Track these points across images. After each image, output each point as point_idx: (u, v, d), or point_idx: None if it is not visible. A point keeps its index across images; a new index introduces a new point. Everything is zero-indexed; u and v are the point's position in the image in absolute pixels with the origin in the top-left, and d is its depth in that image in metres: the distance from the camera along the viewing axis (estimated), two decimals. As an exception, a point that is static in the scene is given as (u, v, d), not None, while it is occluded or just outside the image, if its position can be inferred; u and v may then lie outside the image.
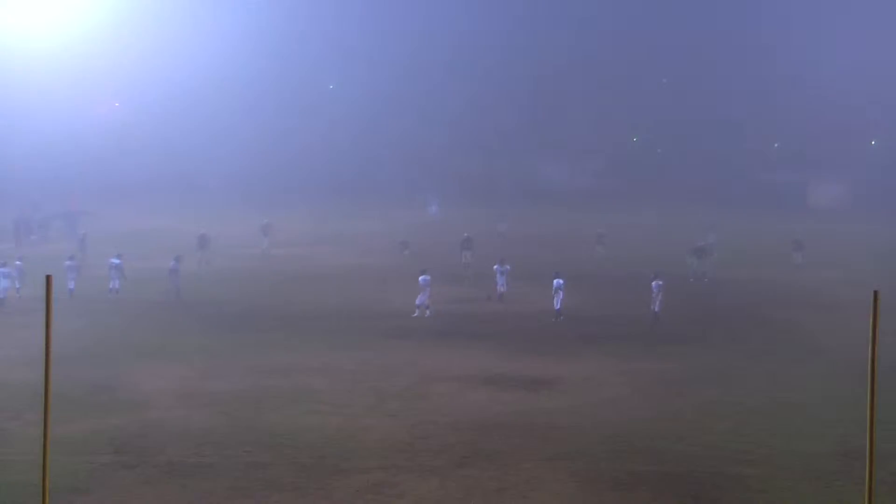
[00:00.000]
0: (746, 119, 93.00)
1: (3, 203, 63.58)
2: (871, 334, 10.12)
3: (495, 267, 36.77)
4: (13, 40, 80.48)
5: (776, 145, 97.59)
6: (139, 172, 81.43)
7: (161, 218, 64.91)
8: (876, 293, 10.12)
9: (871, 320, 10.09)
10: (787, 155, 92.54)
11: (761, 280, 43.55)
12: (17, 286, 36.54)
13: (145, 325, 32.11)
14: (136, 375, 25.23)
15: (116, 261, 37.71)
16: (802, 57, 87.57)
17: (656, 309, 33.28)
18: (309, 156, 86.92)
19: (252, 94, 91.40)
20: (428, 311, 33.56)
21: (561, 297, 33.42)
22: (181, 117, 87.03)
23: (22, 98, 80.00)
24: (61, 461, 17.19)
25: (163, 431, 20.43)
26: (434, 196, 72.83)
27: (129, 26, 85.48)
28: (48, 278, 10.08)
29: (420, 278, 34.03)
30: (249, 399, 23.06)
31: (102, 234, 52.87)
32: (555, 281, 33.68)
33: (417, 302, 33.69)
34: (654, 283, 33.63)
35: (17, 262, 37.49)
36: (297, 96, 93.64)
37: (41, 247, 50.45)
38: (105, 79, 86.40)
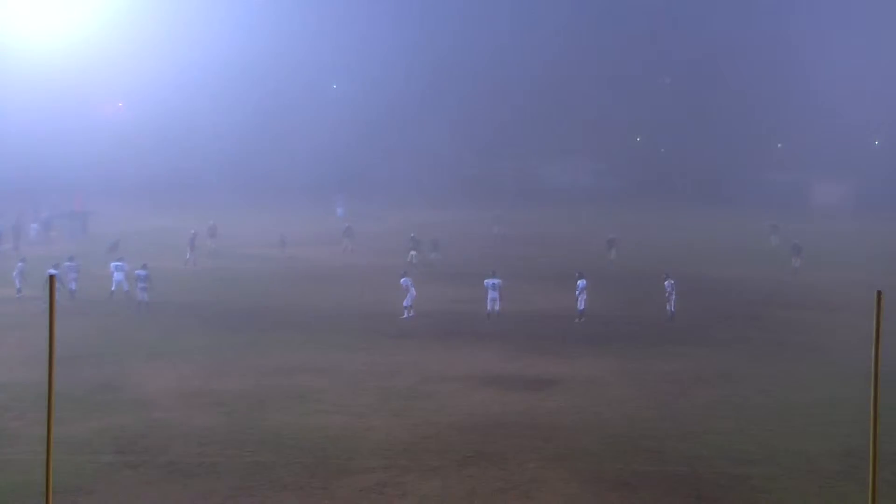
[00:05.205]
0: (749, 119, 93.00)
1: (3, 203, 63.61)
2: (874, 335, 10.11)
3: (486, 281, 34.23)
4: (17, 42, 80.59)
5: (779, 145, 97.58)
6: (142, 172, 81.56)
7: (162, 218, 64.96)
8: (879, 294, 10.11)
9: (874, 321, 10.09)
10: (790, 155, 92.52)
11: (764, 280, 43.55)
12: (18, 286, 36.58)
13: (147, 326, 32.12)
14: (138, 375, 25.26)
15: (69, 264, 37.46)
16: (805, 57, 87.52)
17: (671, 308, 33.48)
18: (311, 156, 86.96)
19: (255, 94, 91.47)
20: (412, 312, 33.72)
21: (584, 297, 33.52)
22: (184, 118, 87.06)
23: (25, 99, 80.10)
24: (65, 461, 17.24)
25: (166, 431, 20.44)
26: (340, 198, 71.63)
27: (134, 28, 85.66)
28: (51, 278, 10.08)
29: (401, 280, 34.43)
30: (252, 399, 23.07)
31: (103, 235, 52.94)
32: (578, 282, 33.78)
33: (405, 303, 33.97)
34: (666, 283, 33.87)
35: (20, 264, 37.49)
36: (300, 97, 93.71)
37: (43, 247, 50.42)
38: (109, 80, 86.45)
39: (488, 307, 33.71)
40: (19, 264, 37.43)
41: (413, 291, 33.93)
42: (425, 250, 47.45)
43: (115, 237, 47.94)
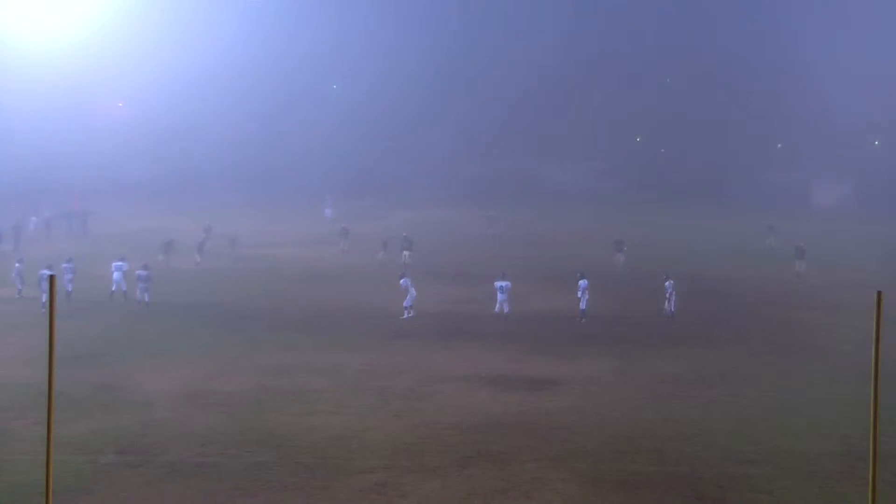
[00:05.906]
0: (749, 119, 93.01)
1: (3, 203, 63.60)
2: (874, 335, 10.12)
3: (496, 283, 34.51)
4: (17, 42, 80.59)
5: (779, 146, 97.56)
6: (142, 172, 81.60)
7: (163, 218, 64.90)
8: (879, 294, 10.11)
9: (874, 321, 10.09)
10: (790, 155, 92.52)
11: (764, 280, 43.55)
12: (20, 287, 36.60)
13: (147, 326, 32.12)
14: (138, 375, 25.26)
15: (67, 265, 37.00)
16: (806, 57, 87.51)
17: (671, 309, 33.54)
18: (311, 156, 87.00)
19: (256, 94, 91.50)
20: (412, 312, 33.83)
21: (587, 298, 33.55)
22: (184, 118, 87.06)
23: (25, 100, 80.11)
24: (65, 461, 17.26)
25: (166, 431, 20.44)
26: (329, 199, 71.35)
27: (133, 27, 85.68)
28: (51, 278, 10.08)
29: (401, 281, 34.66)
30: (252, 399, 23.07)
31: (103, 235, 52.91)
32: (580, 282, 33.83)
33: (405, 304, 34.11)
34: (667, 284, 33.89)
35: (17, 265, 37.46)
36: (300, 97, 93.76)
37: (42, 245, 50.38)
38: (109, 80, 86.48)
39: (496, 308, 33.67)
40: (17, 265, 37.41)
41: (413, 291, 34.00)
42: (407, 248, 46.56)
43: (169, 237, 47.42)
